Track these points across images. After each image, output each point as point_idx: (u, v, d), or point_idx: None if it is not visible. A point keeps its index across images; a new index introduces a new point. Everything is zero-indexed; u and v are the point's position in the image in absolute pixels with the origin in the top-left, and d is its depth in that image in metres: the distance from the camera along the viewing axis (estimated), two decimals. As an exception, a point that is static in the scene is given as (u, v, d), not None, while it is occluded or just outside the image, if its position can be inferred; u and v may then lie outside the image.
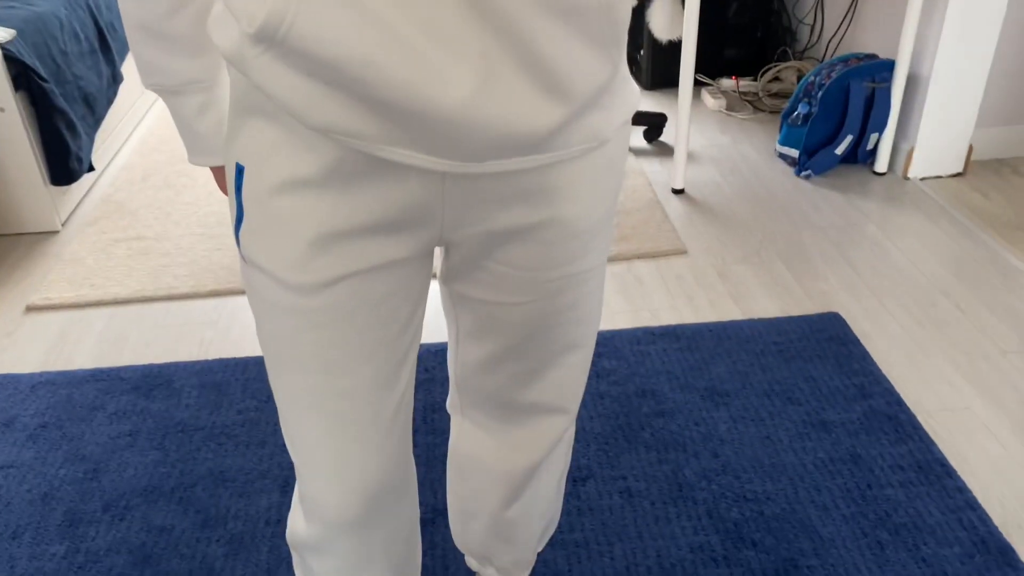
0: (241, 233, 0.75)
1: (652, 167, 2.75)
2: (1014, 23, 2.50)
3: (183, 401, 1.79)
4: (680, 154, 2.53)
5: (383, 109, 0.63)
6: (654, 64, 3.29)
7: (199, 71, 0.84)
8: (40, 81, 2.28)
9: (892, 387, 1.77)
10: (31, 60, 2.27)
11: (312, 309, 0.75)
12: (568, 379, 0.95)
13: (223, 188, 0.88)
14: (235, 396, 1.80)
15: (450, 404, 1.06)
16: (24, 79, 2.26)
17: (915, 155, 2.57)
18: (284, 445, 1.67)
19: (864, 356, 1.86)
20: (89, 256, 2.32)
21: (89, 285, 2.19)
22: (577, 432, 1.68)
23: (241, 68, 0.66)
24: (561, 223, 0.78)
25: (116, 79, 2.82)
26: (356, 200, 0.70)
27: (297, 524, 0.92)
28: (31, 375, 1.88)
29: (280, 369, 0.81)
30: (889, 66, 2.51)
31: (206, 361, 1.91)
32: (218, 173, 0.95)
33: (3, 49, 2.20)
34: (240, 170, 0.73)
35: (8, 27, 2.29)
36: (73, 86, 2.48)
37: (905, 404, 1.72)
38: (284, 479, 1.58)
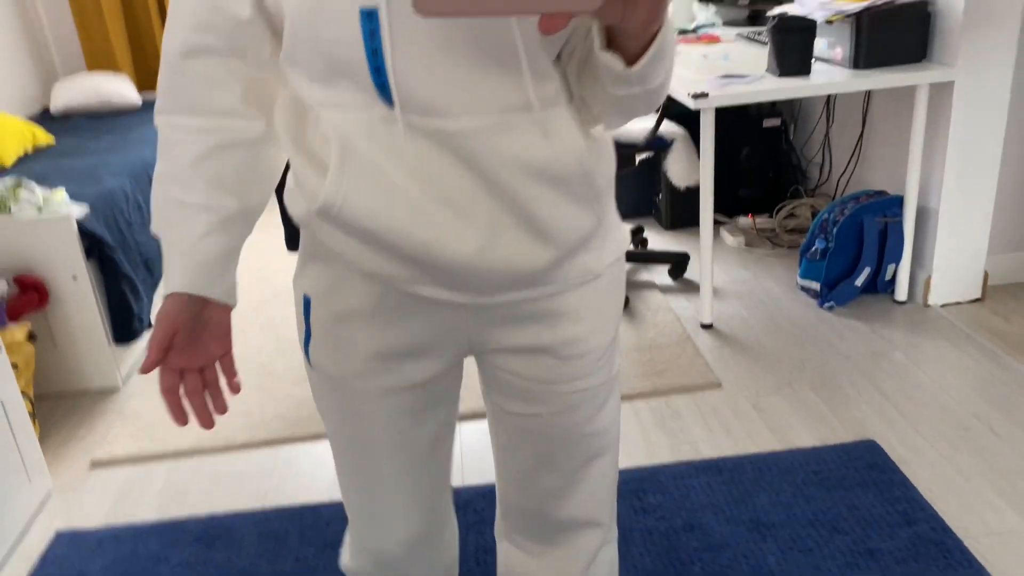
0: (311, 348, 0.97)
1: (679, 303, 2.87)
2: (1013, 155, 2.66)
3: (244, 551, 1.85)
4: (706, 290, 2.65)
5: (411, 261, 0.83)
6: (672, 206, 3.48)
7: (216, 204, 0.89)
8: (109, 251, 2.47)
9: (936, 512, 1.80)
10: (102, 232, 2.48)
11: (369, 410, 0.97)
12: (597, 489, 1.06)
13: (161, 329, 0.88)
14: (293, 544, 1.86)
15: (497, 530, 1.18)
16: (95, 249, 2.46)
17: (933, 283, 2.68)
18: (344, 591, 1.71)
19: (904, 482, 1.90)
20: (149, 411, 2.44)
21: (149, 439, 2.29)
22: (628, 568, 1.71)
23: (311, 228, 0.89)
24: (569, 343, 0.95)
25: (173, 243, 3.02)
26: (399, 327, 0.92)
27: (347, 555, 1.14)
28: (97, 530, 1.95)
29: (341, 449, 1.03)
30: (898, 201, 2.66)
31: (264, 511, 1.98)
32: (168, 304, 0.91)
33: (78, 223, 2.40)
34: (307, 301, 0.95)
35: (82, 202, 2.51)
36: (135, 252, 2.68)
37: (951, 530, 1.75)
38: (345, 626, 1.62)
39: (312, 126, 0.83)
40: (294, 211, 0.89)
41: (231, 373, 0.96)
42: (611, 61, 0.73)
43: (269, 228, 3.75)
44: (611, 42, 0.73)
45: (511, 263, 0.83)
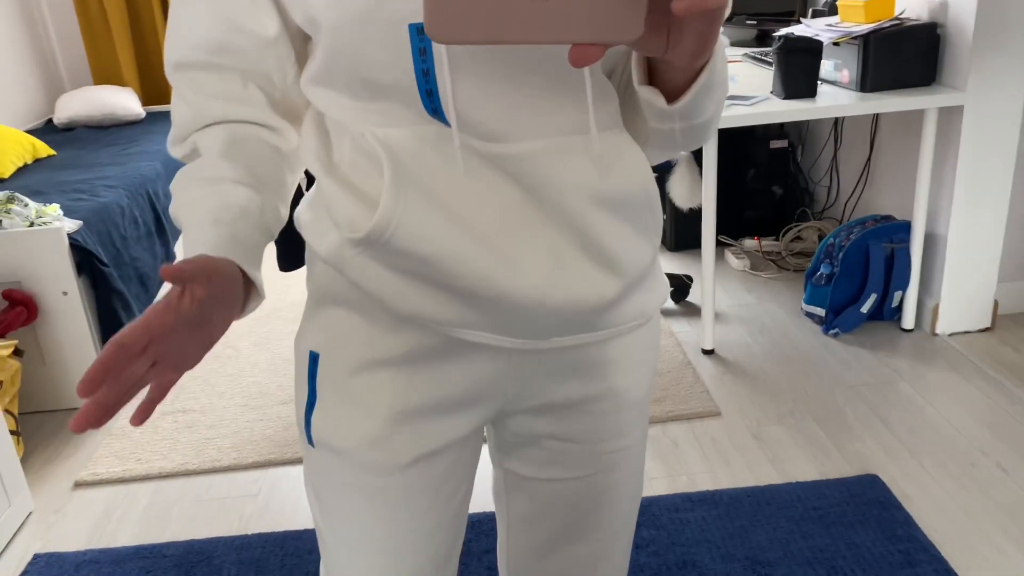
0: (313, 418, 0.81)
1: (681, 327, 2.81)
2: (1024, 183, 2.60)
3: (223, 579, 1.80)
4: (707, 315, 2.59)
5: (464, 296, 0.72)
6: (676, 227, 3.43)
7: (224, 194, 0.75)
8: (101, 266, 2.44)
9: (939, 553, 1.73)
10: (94, 247, 2.45)
11: (384, 488, 0.80)
12: (624, 561, 0.97)
13: (193, 275, 0.64)
14: (274, 573, 1.80)
15: None
16: (87, 264, 2.43)
17: (941, 311, 2.61)
18: (322, 624, 1.65)
19: (907, 520, 1.83)
20: (135, 430, 2.39)
21: (135, 460, 2.25)
22: (618, 607, 1.65)
23: (338, 267, 0.76)
24: (614, 395, 0.85)
25: (169, 258, 3.00)
26: (430, 378, 0.79)
27: None
28: (76, 553, 1.90)
29: (342, 550, 0.84)
30: (906, 227, 2.60)
31: (245, 536, 1.93)
32: (215, 266, 0.68)
33: (70, 238, 2.38)
34: (314, 358, 0.80)
35: (77, 218, 2.48)
36: (130, 267, 2.65)
37: (954, 572, 1.68)
38: (322, 661, 1.56)
39: (341, 148, 0.74)
40: (320, 246, 0.77)
41: (156, 399, 0.67)
42: (651, 97, 0.65)
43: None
44: (652, 72, 0.66)
45: (576, 296, 0.73)
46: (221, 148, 0.76)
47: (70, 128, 3.82)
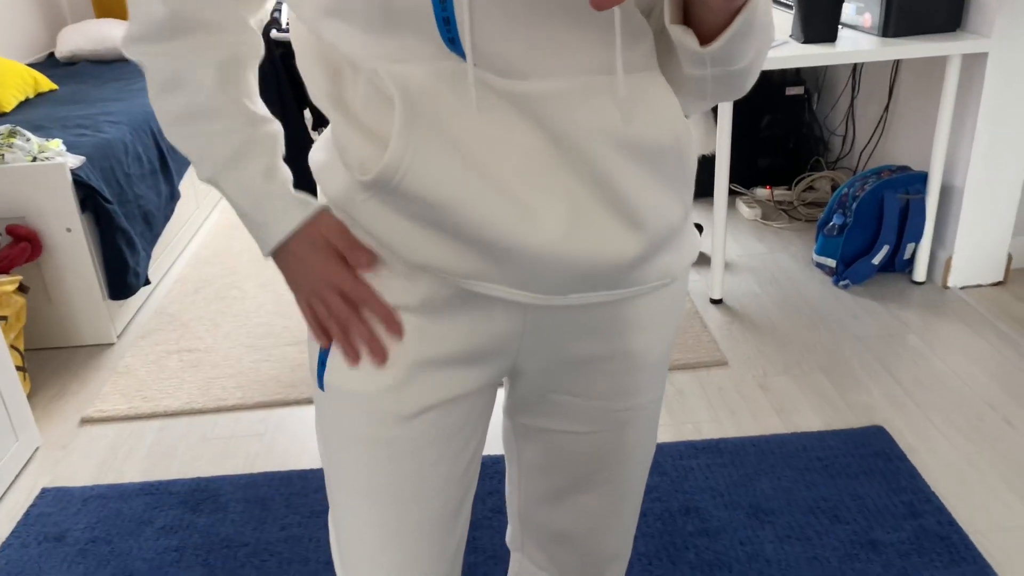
0: (329, 359, 0.78)
1: (690, 277, 2.78)
2: (1045, 135, 2.54)
3: (229, 516, 1.81)
4: (717, 264, 2.57)
5: (478, 246, 0.69)
6: (689, 175, 3.37)
7: (252, 133, 0.78)
8: (105, 203, 2.41)
9: (942, 505, 1.73)
10: (98, 184, 2.42)
11: (396, 439, 0.78)
12: (632, 518, 0.97)
13: (344, 238, 0.76)
14: (279, 511, 1.82)
15: (510, 539, 1.06)
16: (91, 201, 2.40)
17: (953, 264, 2.58)
18: (326, 562, 1.67)
19: (912, 472, 1.83)
20: (142, 368, 2.40)
21: (141, 398, 2.26)
22: (620, 551, 1.66)
23: (348, 211, 0.74)
24: (630, 355, 0.82)
25: (174, 196, 2.97)
26: (445, 330, 0.76)
27: None
28: (83, 488, 1.92)
29: (350, 500, 0.82)
30: (922, 178, 2.55)
31: (251, 475, 1.94)
32: (325, 220, 0.78)
33: (73, 174, 2.34)
34: None
35: (79, 154, 2.44)
36: (134, 205, 2.62)
37: (957, 523, 1.68)
38: (327, 598, 1.58)
39: (354, 86, 0.70)
40: (331, 188, 0.75)
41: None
42: (684, 38, 0.61)
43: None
44: (688, 12, 0.61)
45: (597, 252, 0.69)
46: (215, 79, 0.75)
47: (72, 62, 3.75)
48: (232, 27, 0.76)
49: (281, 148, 0.80)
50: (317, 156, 0.78)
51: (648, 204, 0.70)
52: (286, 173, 0.79)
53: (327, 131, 0.78)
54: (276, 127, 0.79)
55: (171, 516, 1.82)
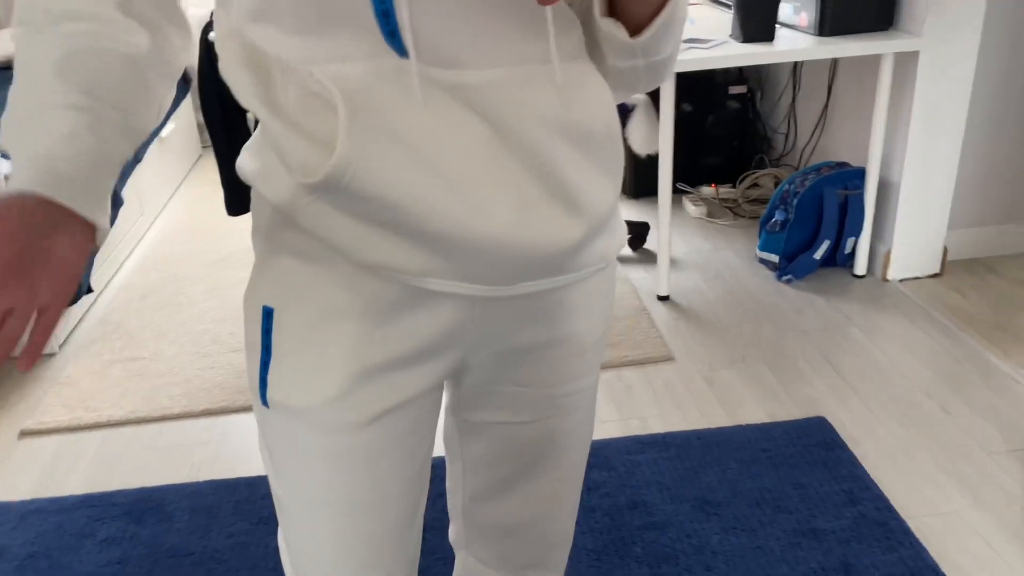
0: (269, 376, 0.76)
1: (637, 274, 2.81)
2: (977, 129, 2.62)
3: (174, 526, 1.78)
4: (663, 261, 2.60)
5: (430, 242, 0.69)
6: (636, 174, 3.41)
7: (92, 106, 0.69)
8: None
9: (881, 492, 1.78)
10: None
11: (348, 449, 0.76)
12: (575, 503, 0.98)
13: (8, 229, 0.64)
14: (226, 519, 1.80)
15: (454, 538, 1.06)
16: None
17: (892, 257, 2.65)
18: (274, 568, 1.66)
19: (852, 461, 1.87)
20: (85, 378, 2.35)
21: (84, 408, 2.21)
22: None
23: (292, 215, 0.71)
24: (572, 340, 0.84)
25: (117, 203, 2.91)
26: (392, 331, 0.75)
27: None
28: (22, 503, 1.88)
29: (305, 515, 0.80)
30: (860, 174, 2.61)
31: (197, 483, 1.91)
32: (18, 204, 0.65)
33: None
34: (268, 313, 0.75)
35: (13, 160, 2.39)
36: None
37: (894, 509, 1.73)
38: (274, 605, 1.57)
39: (284, 88, 0.67)
40: (271, 193, 0.72)
41: (43, 336, 0.66)
42: (613, 29, 0.63)
43: (219, 186, 3.63)
44: (614, 5, 0.64)
45: (542, 240, 0.71)
46: (56, 63, 0.68)
47: (7, 67, 3.66)
48: (105, 17, 0.70)
49: (130, 140, 0.72)
50: (248, 164, 0.75)
51: (587, 189, 0.72)
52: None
53: (255, 136, 0.76)
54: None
55: (114, 528, 1.79)
